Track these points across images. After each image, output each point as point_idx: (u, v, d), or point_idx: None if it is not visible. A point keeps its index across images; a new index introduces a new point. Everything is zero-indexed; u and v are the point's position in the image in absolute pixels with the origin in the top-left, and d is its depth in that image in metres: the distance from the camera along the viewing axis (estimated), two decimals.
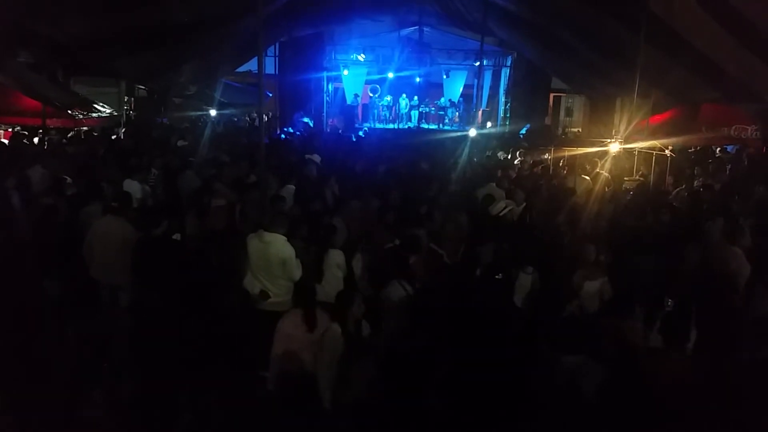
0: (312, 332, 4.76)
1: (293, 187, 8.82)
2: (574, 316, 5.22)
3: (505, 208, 8.26)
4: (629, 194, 10.38)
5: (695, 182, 11.27)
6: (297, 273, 5.91)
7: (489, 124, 24.38)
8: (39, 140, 13.29)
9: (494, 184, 9.91)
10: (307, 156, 11.89)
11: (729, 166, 12.96)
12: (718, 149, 16.17)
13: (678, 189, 10.60)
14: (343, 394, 4.59)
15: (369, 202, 8.13)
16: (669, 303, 5.43)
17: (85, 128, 15.38)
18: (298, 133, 20.22)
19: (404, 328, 5.18)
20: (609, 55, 15.34)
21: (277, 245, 5.86)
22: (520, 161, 14.41)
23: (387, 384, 4.45)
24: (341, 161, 12.08)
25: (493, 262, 6.11)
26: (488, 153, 15.86)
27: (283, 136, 19.48)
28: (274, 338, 4.94)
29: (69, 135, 14.92)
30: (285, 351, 4.85)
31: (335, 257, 6.29)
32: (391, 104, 25.08)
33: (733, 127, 13.89)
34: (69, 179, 8.76)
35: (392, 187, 9.06)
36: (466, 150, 13.27)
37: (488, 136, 20.44)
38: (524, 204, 8.60)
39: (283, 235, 5.98)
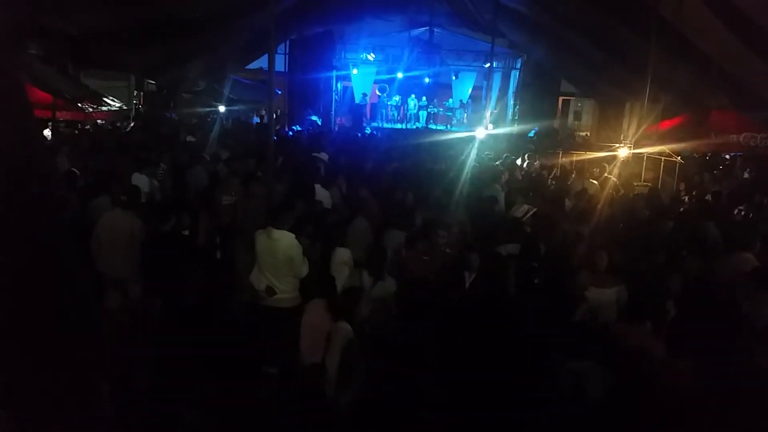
0: (336, 322, 4.85)
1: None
2: (582, 322, 5.18)
3: (527, 213, 8.13)
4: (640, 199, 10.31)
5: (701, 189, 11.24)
6: (304, 270, 5.93)
7: (492, 126, 24.29)
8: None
9: (498, 186, 9.92)
10: (314, 154, 11.89)
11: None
12: (727, 156, 16.13)
13: (688, 196, 10.57)
14: (343, 393, 4.61)
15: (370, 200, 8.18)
16: (671, 307, 5.41)
17: (100, 121, 15.48)
18: (306, 131, 20.27)
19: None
20: (619, 60, 15.32)
21: (285, 242, 5.87)
22: (527, 164, 14.38)
23: (382, 380, 4.48)
24: (350, 160, 12.07)
25: (482, 266, 6.08)
26: (489, 154, 15.80)
27: (290, 134, 19.53)
28: (301, 331, 5.03)
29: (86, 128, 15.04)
30: (312, 342, 4.95)
31: (342, 255, 6.31)
32: (399, 104, 25.09)
33: (742, 135, 13.84)
34: (78, 171, 8.83)
35: (399, 187, 9.07)
36: (474, 151, 13.24)
37: (496, 138, 20.41)
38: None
39: (290, 231, 6.01)
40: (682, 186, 11.39)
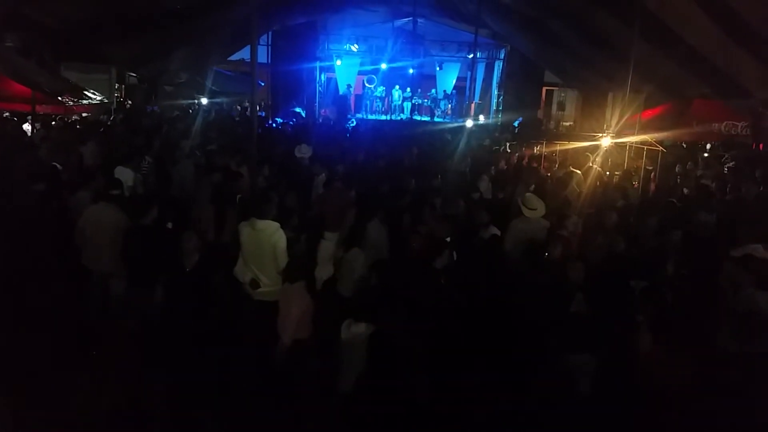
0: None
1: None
2: (579, 314, 5.17)
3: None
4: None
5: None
6: (284, 263, 5.88)
7: (481, 116, 24.39)
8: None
9: (487, 177, 9.96)
10: (297, 147, 11.81)
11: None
12: (709, 145, 16.28)
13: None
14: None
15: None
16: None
17: (85, 114, 15.31)
18: (291, 122, 20.16)
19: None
20: (602, 49, 15.39)
21: (269, 232, 5.84)
22: (509, 154, 14.46)
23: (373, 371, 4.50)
24: (333, 153, 12.01)
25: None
26: (486, 142, 15.83)
27: (273, 125, 19.41)
28: (281, 312, 5.19)
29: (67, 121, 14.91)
30: (293, 322, 5.12)
31: (327, 248, 6.31)
32: (384, 95, 25.05)
33: (724, 123, 13.94)
34: (60, 166, 8.73)
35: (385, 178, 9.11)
36: (462, 142, 13.27)
37: (480, 128, 20.45)
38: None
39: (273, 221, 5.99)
40: (653, 175, 11.49)
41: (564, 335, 4.84)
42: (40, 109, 13.38)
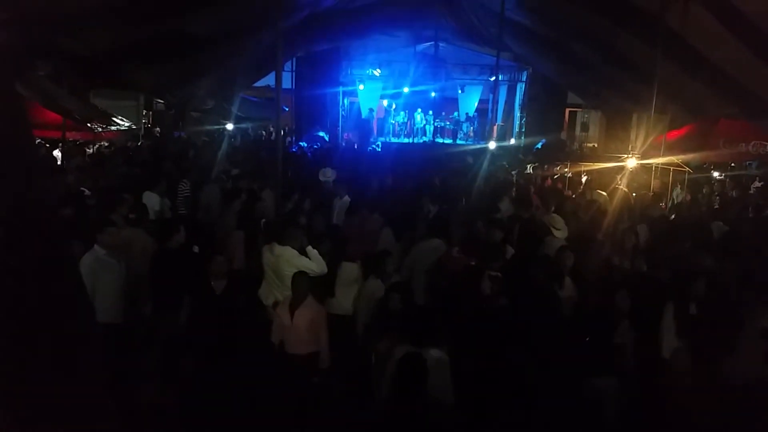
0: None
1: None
2: (602, 337, 5.08)
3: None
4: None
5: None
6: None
7: (512, 140, 24.33)
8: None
9: (508, 198, 9.92)
10: (321, 170, 11.88)
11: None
12: (733, 164, 16.05)
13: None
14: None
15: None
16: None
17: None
18: (315, 146, 20.35)
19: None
20: (625, 70, 15.31)
21: (286, 257, 5.88)
22: (532, 175, 14.42)
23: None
24: (357, 176, 12.05)
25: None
26: (505, 164, 15.79)
27: (295, 150, 19.62)
28: (294, 325, 5.31)
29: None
30: (307, 335, 5.31)
31: (350, 270, 6.29)
32: (406, 119, 25.19)
33: (752, 143, 13.73)
34: (87, 191, 8.89)
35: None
36: (484, 164, 13.24)
37: (503, 150, 20.41)
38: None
39: (296, 248, 6.00)
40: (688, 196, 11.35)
41: (591, 359, 4.76)
42: (70, 135, 13.70)
